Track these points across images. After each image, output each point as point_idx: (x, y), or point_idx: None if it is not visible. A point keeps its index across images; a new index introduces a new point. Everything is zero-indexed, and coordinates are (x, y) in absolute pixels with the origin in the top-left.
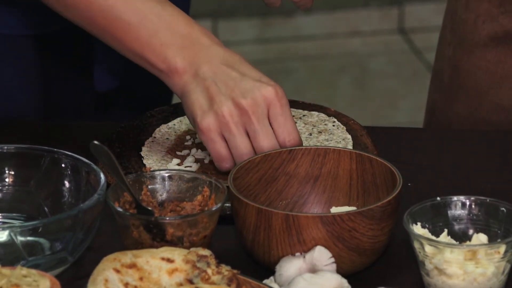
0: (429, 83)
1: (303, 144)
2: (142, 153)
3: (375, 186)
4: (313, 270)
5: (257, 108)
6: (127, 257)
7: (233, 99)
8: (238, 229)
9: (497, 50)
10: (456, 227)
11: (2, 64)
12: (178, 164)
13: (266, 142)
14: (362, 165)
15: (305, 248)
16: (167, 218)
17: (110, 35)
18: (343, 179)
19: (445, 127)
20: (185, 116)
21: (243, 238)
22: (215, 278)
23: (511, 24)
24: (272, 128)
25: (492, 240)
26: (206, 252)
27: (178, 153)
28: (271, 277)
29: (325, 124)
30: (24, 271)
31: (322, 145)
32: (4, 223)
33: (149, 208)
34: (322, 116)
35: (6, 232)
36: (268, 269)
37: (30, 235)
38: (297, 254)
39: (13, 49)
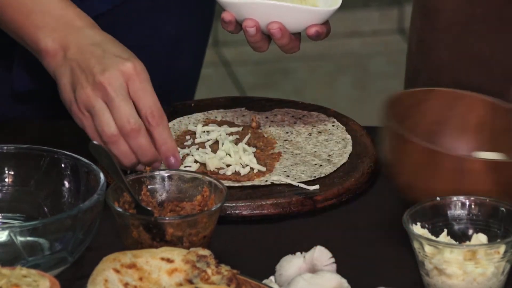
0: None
1: (303, 146)
2: None
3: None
4: (313, 270)
5: (114, 81)
6: (126, 257)
7: (93, 76)
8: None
9: (458, 28)
10: (456, 227)
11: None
12: None
13: (122, 108)
14: (494, 113)
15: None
16: (167, 218)
17: None
18: (473, 125)
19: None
20: (185, 117)
21: (400, 177)
22: (214, 278)
23: None
24: (134, 103)
25: (491, 240)
26: (205, 252)
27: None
28: (271, 277)
29: (325, 125)
30: (24, 271)
31: (322, 145)
32: (4, 223)
33: (149, 208)
34: (322, 116)
35: (6, 232)
36: (267, 269)
37: (30, 235)
38: (297, 253)
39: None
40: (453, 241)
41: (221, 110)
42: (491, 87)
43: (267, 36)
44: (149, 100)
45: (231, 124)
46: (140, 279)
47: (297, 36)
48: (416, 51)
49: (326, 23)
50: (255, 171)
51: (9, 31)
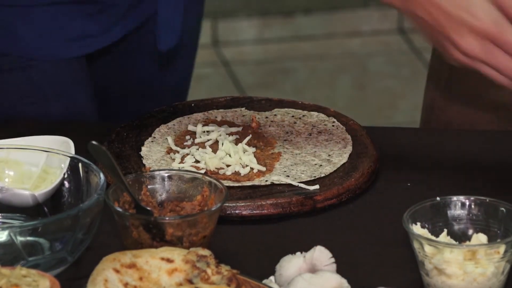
0: (425, 80)
1: (303, 146)
2: (142, 153)
3: None
4: (313, 270)
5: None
6: (126, 257)
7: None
8: None
9: None
10: (456, 227)
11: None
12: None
13: None
14: None
15: None
16: (167, 218)
17: None
18: None
19: (445, 125)
20: (185, 117)
21: None
22: (214, 278)
23: None
24: None
25: (491, 240)
26: (205, 252)
27: (177, 153)
28: (271, 277)
29: (325, 125)
30: (24, 271)
31: (322, 145)
32: (4, 223)
33: (148, 208)
34: (322, 116)
35: (6, 232)
36: (267, 269)
37: (30, 235)
38: (297, 253)
39: None
40: (453, 241)
41: (221, 110)
42: None
43: None
44: None
45: (231, 124)
46: (140, 279)
47: None
48: (450, 77)
49: None
50: (255, 171)
51: None
